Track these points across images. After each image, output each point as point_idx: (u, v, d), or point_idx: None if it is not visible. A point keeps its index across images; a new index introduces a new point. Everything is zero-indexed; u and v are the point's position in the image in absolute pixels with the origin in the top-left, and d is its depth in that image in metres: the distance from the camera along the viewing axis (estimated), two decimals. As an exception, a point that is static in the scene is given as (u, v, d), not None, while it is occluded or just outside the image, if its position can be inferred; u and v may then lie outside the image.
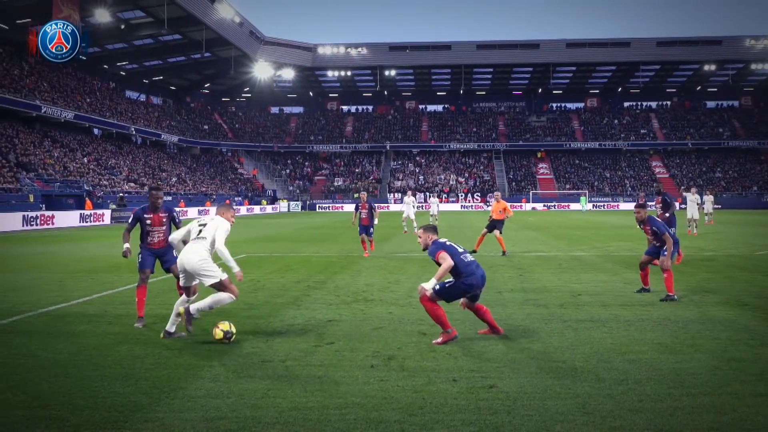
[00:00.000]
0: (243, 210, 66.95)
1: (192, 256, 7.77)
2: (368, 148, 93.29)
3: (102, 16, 54.70)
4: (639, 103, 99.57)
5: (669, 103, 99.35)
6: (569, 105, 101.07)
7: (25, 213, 36.62)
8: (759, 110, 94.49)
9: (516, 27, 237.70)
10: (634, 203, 11.54)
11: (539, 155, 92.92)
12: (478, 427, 4.82)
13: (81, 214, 41.70)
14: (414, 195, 38.20)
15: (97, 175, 57.08)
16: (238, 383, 5.96)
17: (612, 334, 7.96)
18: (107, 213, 44.79)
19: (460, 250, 7.85)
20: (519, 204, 78.93)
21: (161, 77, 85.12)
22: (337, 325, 8.65)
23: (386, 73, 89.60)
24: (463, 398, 5.49)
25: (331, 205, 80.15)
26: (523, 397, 5.51)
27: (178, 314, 7.87)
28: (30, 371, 6.45)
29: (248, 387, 5.83)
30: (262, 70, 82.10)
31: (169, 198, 60.82)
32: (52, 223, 37.91)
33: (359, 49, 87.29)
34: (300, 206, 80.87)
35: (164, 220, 9.19)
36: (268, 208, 74.64)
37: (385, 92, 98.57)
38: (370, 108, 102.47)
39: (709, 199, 32.78)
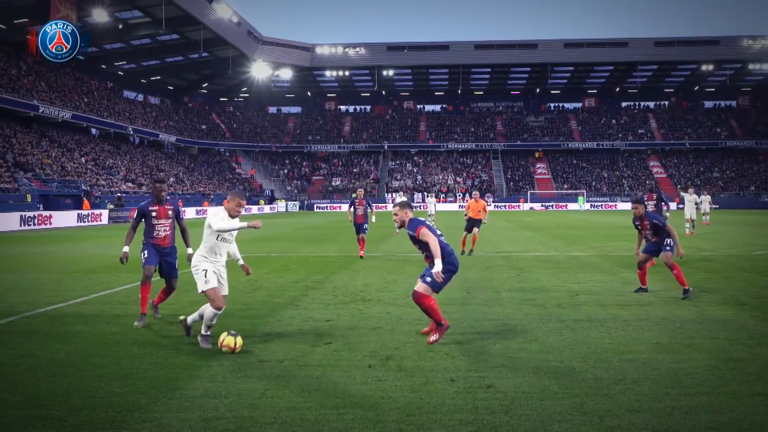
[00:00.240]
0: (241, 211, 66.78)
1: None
2: (366, 148, 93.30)
3: (100, 15, 54.66)
4: (637, 103, 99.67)
5: (667, 103, 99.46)
6: (567, 105, 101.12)
7: (23, 213, 36.61)
8: (756, 110, 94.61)
9: (514, 27, 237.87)
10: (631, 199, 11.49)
11: (537, 155, 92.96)
12: (476, 427, 4.82)
13: (78, 214, 41.68)
14: (409, 195, 38.08)
15: (95, 175, 57.03)
16: (236, 383, 5.95)
17: (610, 333, 7.96)
18: (105, 213, 44.76)
19: (438, 232, 7.83)
20: (517, 204, 79.04)
21: (159, 77, 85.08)
22: (334, 325, 8.65)
23: (384, 73, 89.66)
24: (460, 398, 5.49)
25: (329, 205, 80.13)
26: (520, 396, 5.51)
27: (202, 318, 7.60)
28: (28, 371, 6.44)
29: (246, 387, 5.83)
30: (260, 70, 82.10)
31: (167, 198, 60.76)
32: (50, 223, 37.88)
33: (357, 49, 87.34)
34: (298, 206, 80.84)
35: (170, 213, 9.03)
36: (266, 208, 74.60)
37: (383, 92, 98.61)
38: (368, 108, 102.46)
39: (706, 199, 32.77)
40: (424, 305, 7.50)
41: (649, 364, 6.55)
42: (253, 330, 8.32)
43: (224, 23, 69.41)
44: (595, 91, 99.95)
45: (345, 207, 75.57)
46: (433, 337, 7.50)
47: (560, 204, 78.57)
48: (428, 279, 7.49)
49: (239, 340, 7.09)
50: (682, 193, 37.29)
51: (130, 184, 60.61)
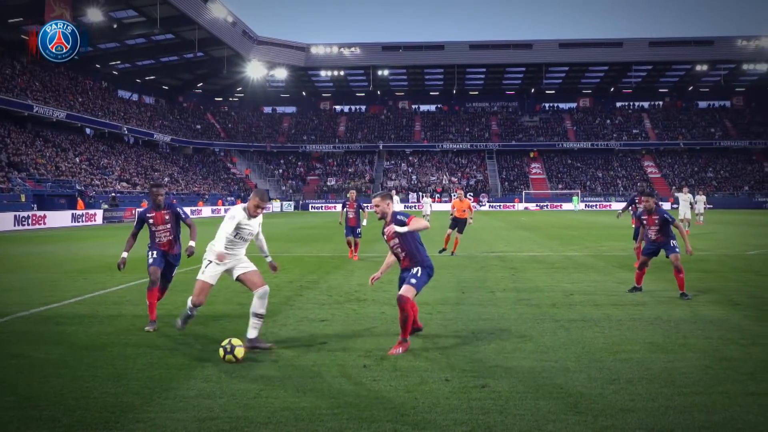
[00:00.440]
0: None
1: None
2: (361, 147, 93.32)
3: (94, 15, 54.53)
4: (631, 103, 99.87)
5: (661, 103, 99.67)
6: (562, 105, 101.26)
7: (17, 213, 36.51)
8: (750, 110, 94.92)
9: (509, 27, 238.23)
10: (638, 193, 11.12)
11: (532, 155, 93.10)
12: (470, 427, 4.82)
13: (73, 214, 41.59)
14: (404, 194, 37.88)
15: (89, 175, 56.91)
16: (230, 383, 5.94)
17: (604, 333, 7.97)
18: (99, 213, 44.68)
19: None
20: (512, 204, 79.12)
21: (154, 77, 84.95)
22: (329, 325, 8.65)
23: (379, 72, 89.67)
24: (455, 398, 5.49)
25: (323, 205, 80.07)
26: (515, 396, 5.51)
27: (258, 315, 7.37)
28: (21, 372, 6.42)
29: (240, 387, 5.82)
30: (255, 70, 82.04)
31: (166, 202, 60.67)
32: (44, 223, 37.79)
33: (352, 49, 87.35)
34: (293, 206, 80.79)
35: (167, 218, 8.82)
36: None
37: (378, 92, 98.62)
38: (363, 108, 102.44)
39: (701, 199, 32.82)
40: (406, 312, 7.10)
41: (643, 363, 6.56)
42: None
43: (219, 23, 69.33)
44: (590, 91, 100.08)
45: (340, 207, 75.68)
46: (396, 350, 7.08)
47: (555, 204, 78.70)
48: (413, 281, 7.28)
49: (238, 352, 6.69)
50: (676, 194, 37.36)
51: (124, 184, 60.50)
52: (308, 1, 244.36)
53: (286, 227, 36.02)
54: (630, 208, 15.55)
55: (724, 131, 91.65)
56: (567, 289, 11.63)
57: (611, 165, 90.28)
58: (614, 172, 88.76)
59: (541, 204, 78.83)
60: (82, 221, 41.86)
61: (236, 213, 7.41)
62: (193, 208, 58.94)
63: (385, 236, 7.50)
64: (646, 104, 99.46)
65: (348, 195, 18.65)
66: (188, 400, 5.46)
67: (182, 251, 8.91)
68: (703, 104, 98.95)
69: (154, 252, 8.73)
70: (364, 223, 18.49)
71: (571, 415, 5.05)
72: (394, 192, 46.12)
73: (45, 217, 38.23)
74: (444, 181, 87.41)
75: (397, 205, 29.63)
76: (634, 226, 15.28)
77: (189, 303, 7.50)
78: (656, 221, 10.82)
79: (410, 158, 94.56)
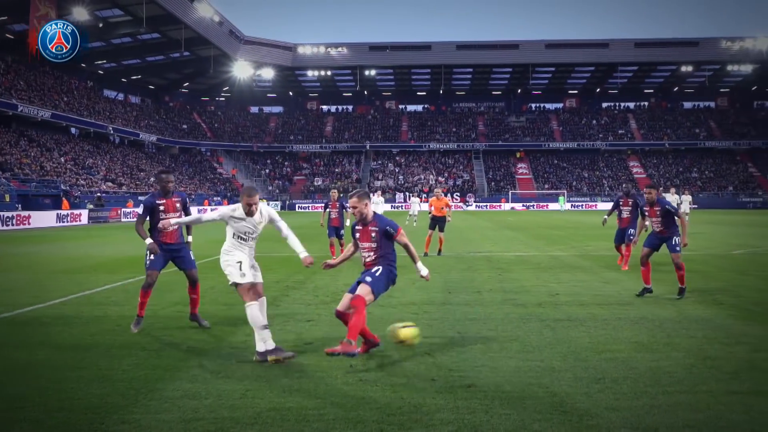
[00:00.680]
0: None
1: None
2: (348, 147, 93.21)
3: (80, 14, 54.17)
4: (617, 104, 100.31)
5: (646, 103, 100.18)
6: (548, 105, 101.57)
7: (1, 213, 36.24)
8: (735, 111, 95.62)
9: (496, 27, 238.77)
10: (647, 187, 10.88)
11: (518, 155, 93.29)
12: (456, 426, 4.84)
13: (58, 214, 41.33)
14: (390, 194, 37.70)
15: (75, 175, 56.58)
16: (216, 384, 5.93)
17: (589, 333, 8.01)
18: (84, 213, 44.43)
19: None
20: (498, 204, 79.29)
21: (140, 76, 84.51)
22: (315, 325, 8.65)
23: (366, 73, 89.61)
24: (441, 398, 5.50)
25: (310, 205, 79.89)
26: (501, 396, 5.53)
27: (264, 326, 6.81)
28: (5, 373, 6.39)
29: (226, 388, 5.80)
30: (241, 70, 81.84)
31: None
32: (29, 224, 37.53)
33: (339, 49, 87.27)
34: (279, 206, 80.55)
35: (178, 206, 8.46)
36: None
37: (365, 92, 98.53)
38: (350, 108, 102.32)
39: (686, 199, 33.02)
40: (361, 313, 6.52)
41: (628, 362, 6.60)
42: (234, 331, 8.30)
43: (206, 22, 69.08)
44: (576, 91, 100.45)
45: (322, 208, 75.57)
46: (335, 348, 6.40)
47: (541, 204, 78.91)
48: (369, 279, 6.83)
49: (413, 331, 6.80)
50: (663, 194, 37.55)
51: (110, 184, 60.18)
52: (295, 1, 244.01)
53: (272, 227, 35.79)
54: (615, 210, 15.42)
55: (709, 132, 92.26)
56: (553, 289, 11.67)
57: (597, 165, 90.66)
58: (600, 172, 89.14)
59: (528, 204, 79.04)
60: (67, 221, 41.60)
61: (228, 207, 7.24)
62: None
63: (357, 234, 7.19)
64: (631, 105, 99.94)
65: (330, 194, 18.24)
66: (174, 401, 5.44)
67: (182, 239, 8.69)
68: (688, 105, 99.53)
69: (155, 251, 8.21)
70: (348, 223, 17.69)
71: (557, 415, 5.07)
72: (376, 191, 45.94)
73: (29, 217, 37.97)
74: (431, 181, 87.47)
75: (379, 206, 28.99)
76: (620, 228, 15.20)
77: (253, 313, 6.79)
78: (658, 212, 10.70)
79: (397, 158, 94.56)
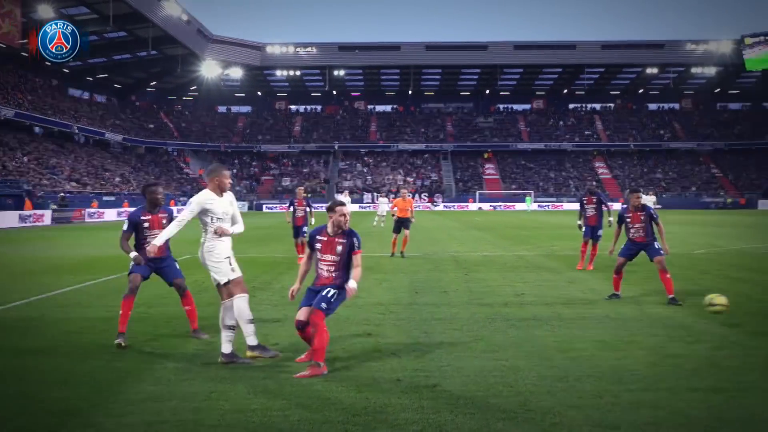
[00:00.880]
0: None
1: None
2: (316, 148, 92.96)
3: (45, 11, 53.21)
4: (584, 105, 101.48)
5: (612, 105, 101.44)
6: (516, 106, 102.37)
7: (-38, 213, 35.58)
8: (699, 113, 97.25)
9: (465, 28, 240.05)
10: (630, 191, 10.61)
11: (486, 156, 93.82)
12: (421, 426, 4.85)
13: (20, 214, 40.64)
14: (358, 194, 37.67)
15: (38, 175, 55.68)
16: (180, 386, 5.88)
17: (554, 332, 8.09)
18: (48, 213, 43.77)
19: None
20: (466, 204, 79.63)
21: (106, 75, 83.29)
22: (282, 326, 8.60)
23: (335, 73, 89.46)
24: (406, 397, 5.51)
25: (278, 205, 79.50)
26: (466, 395, 5.56)
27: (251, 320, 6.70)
28: (-37, 376, 6.27)
29: (190, 390, 5.76)
30: (209, 69, 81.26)
31: (112, 198, 59.73)
32: (-10, 224, 36.89)
33: (308, 49, 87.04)
34: (247, 206, 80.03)
35: (164, 222, 7.90)
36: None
37: (334, 92, 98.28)
38: (319, 108, 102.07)
39: (650, 199, 33.48)
40: (323, 331, 6.28)
41: (592, 361, 6.68)
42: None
43: (173, 21, 68.42)
44: (544, 93, 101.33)
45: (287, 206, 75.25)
46: (304, 373, 6.22)
47: (508, 204, 79.47)
48: (324, 305, 6.39)
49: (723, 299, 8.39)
50: (628, 195, 38.02)
51: (74, 184, 59.32)
52: (264, 1, 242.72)
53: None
54: (581, 210, 15.48)
55: (673, 133, 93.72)
56: (519, 289, 11.75)
57: (563, 166, 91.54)
58: (566, 172, 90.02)
59: (495, 204, 79.55)
60: (30, 222, 40.94)
61: (198, 196, 6.80)
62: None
63: (318, 245, 6.78)
64: (598, 106, 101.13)
65: (297, 192, 17.83)
66: (137, 404, 5.39)
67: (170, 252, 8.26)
68: (653, 106, 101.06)
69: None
70: (312, 221, 17.13)
71: (520, 413, 5.12)
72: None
73: (-9, 217, 37.33)
74: (399, 182, 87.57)
75: (384, 206, 28.76)
76: (587, 225, 15.24)
77: (240, 305, 6.68)
78: (642, 218, 10.49)
79: (366, 158, 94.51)
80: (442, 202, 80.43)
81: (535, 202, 78.48)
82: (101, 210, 52.16)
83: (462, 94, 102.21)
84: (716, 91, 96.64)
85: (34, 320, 9.10)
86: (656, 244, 10.47)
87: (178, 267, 8.21)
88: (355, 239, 6.70)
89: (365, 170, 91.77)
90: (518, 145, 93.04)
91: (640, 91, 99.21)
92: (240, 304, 6.67)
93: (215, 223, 6.77)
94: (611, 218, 15.01)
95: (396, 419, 5.00)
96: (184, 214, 6.83)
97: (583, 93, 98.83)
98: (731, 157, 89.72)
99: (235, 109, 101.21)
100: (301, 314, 6.60)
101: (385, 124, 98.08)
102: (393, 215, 18.84)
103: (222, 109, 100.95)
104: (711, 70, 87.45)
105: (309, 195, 18.46)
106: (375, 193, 78.62)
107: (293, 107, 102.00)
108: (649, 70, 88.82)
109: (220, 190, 6.88)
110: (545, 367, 6.43)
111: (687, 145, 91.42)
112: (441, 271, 14.53)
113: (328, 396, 5.57)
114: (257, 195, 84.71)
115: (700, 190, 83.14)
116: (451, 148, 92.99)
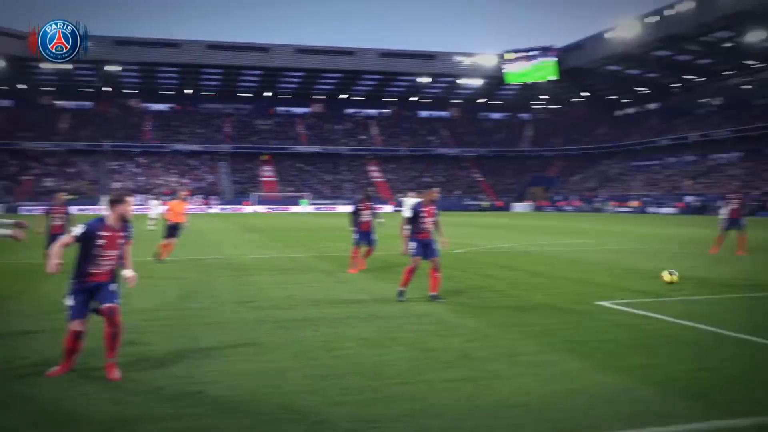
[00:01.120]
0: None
1: None
2: (85, 146, 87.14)
3: None
4: (360, 111, 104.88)
5: (388, 111, 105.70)
6: (296, 109, 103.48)
7: None
8: (465, 121, 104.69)
9: (247, 29, 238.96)
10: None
11: (264, 158, 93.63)
12: (180, 434, 4.74)
13: None
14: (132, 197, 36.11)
15: None
16: None
17: (321, 332, 8.23)
18: None
19: None
20: (242, 206, 78.92)
21: None
22: (33, 339, 7.98)
23: (110, 68, 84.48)
24: (169, 406, 5.37)
25: (38, 207, 73.37)
26: (231, 400, 5.52)
27: None
28: None
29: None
30: (-39, 58, 73.28)
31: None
32: None
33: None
34: (2, 209, 73.06)
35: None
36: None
37: (108, 89, 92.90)
38: (90, 104, 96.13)
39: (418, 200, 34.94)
40: (119, 329, 6.31)
41: (356, 358, 6.89)
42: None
43: None
44: (324, 97, 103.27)
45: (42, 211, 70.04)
46: (53, 368, 6.19)
47: (284, 206, 79.91)
48: (118, 301, 6.45)
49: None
50: (402, 199, 39.61)
51: None
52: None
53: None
54: (355, 216, 15.67)
55: (442, 140, 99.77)
56: (290, 291, 11.84)
57: (339, 169, 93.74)
58: (342, 176, 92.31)
59: (272, 206, 79.62)
60: None
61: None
62: None
63: (101, 241, 6.39)
64: (374, 112, 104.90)
65: (56, 198, 16.23)
66: None
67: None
68: (424, 114, 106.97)
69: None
70: (75, 231, 15.64)
71: (285, 414, 5.17)
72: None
73: None
74: (174, 183, 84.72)
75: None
76: (361, 231, 15.31)
77: None
78: (434, 212, 10.86)
79: (138, 159, 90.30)
80: (218, 204, 79.11)
81: (311, 204, 79.64)
82: None
83: (242, 95, 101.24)
84: (480, 101, 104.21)
85: None
86: (435, 245, 10.92)
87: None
88: (130, 233, 6.71)
89: (138, 171, 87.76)
90: (296, 147, 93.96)
91: (414, 98, 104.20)
92: None
93: None
94: (381, 219, 15.79)
95: (154, 428, 4.86)
96: None
97: (360, 99, 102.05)
98: (491, 163, 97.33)
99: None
100: (78, 325, 6.28)
101: (160, 124, 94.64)
102: (167, 221, 17.60)
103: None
104: (477, 82, 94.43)
105: (75, 197, 17.06)
106: (146, 196, 75.41)
107: (61, 103, 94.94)
108: (420, 80, 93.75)
109: None
110: (311, 367, 6.53)
111: (453, 151, 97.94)
112: (211, 275, 14.26)
113: (81, 411, 5.24)
114: (15, 196, 77.53)
115: (464, 193, 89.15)
116: (229, 150, 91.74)
